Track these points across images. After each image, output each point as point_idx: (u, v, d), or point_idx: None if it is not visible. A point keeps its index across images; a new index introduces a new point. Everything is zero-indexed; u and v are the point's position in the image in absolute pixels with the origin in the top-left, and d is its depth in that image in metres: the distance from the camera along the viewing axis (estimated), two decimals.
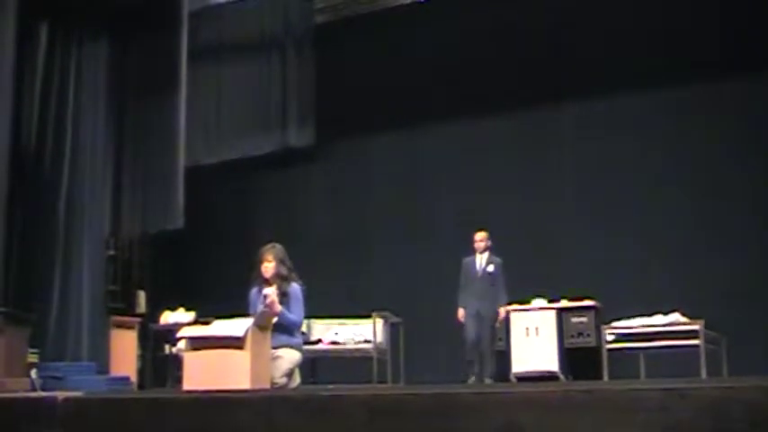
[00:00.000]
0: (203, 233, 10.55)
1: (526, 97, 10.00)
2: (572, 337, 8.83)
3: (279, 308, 5.91)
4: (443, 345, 9.41)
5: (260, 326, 5.63)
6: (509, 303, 8.91)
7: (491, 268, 8.76)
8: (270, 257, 6.15)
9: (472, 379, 8.44)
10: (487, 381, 8.38)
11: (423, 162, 10.57)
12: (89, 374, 7.37)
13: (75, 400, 3.51)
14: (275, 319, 5.89)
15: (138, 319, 9.79)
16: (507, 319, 8.98)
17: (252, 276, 6.22)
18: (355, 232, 10.74)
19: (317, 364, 9.45)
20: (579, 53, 9.72)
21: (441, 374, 9.12)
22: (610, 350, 8.12)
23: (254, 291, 6.18)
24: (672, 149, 9.30)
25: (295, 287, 6.14)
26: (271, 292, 5.94)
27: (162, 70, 9.05)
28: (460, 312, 8.71)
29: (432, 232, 10.06)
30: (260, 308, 5.95)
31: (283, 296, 6.05)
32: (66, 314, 8.44)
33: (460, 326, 8.66)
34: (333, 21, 11.01)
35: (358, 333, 9.40)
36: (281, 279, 6.09)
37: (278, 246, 6.27)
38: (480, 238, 8.89)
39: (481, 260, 8.83)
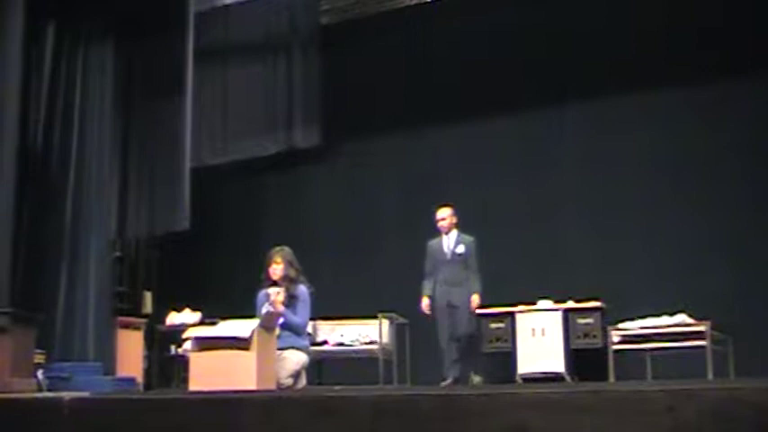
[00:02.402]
0: (209, 234, 10.55)
1: (531, 98, 9.99)
2: (578, 338, 8.81)
3: (281, 307, 5.94)
4: None
5: (266, 327, 5.64)
6: (515, 305, 8.88)
7: (461, 249, 8.05)
8: (279, 260, 6.18)
9: (448, 381, 7.78)
10: (476, 379, 7.91)
11: (428, 162, 10.55)
12: (95, 375, 7.37)
13: (82, 400, 3.51)
14: (281, 320, 5.92)
15: (145, 320, 9.80)
16: (513, 320, 8.95)
17: (260, 278, 6.24)
18: (361, 232, 10.72)
19: (322, 366, 9.45)
20: (581, 54, 9.70)
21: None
22: (616, 351, 8.10)
23: (261, 293, 6.20)
24: (678, 148, 9.26)
25: (303, 289, 6.17)
26: (275, 291, 5.97)
27: (168, 71, 9.04)
28: (425, 302, 8.04)
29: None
30: (266, 308, 5.98)
31: (291, 298, 6.08)
32: (72, 315, 8.45)
33: (433, 320, 8.10)
34: (338, 22, 11.00)
35: (364, 334, 9.40)
36: (289, 281, 6.13)
37: (286, 248, 6.31)
38: (443, 215, 8.13)
39: (449, 241, 8.14)
